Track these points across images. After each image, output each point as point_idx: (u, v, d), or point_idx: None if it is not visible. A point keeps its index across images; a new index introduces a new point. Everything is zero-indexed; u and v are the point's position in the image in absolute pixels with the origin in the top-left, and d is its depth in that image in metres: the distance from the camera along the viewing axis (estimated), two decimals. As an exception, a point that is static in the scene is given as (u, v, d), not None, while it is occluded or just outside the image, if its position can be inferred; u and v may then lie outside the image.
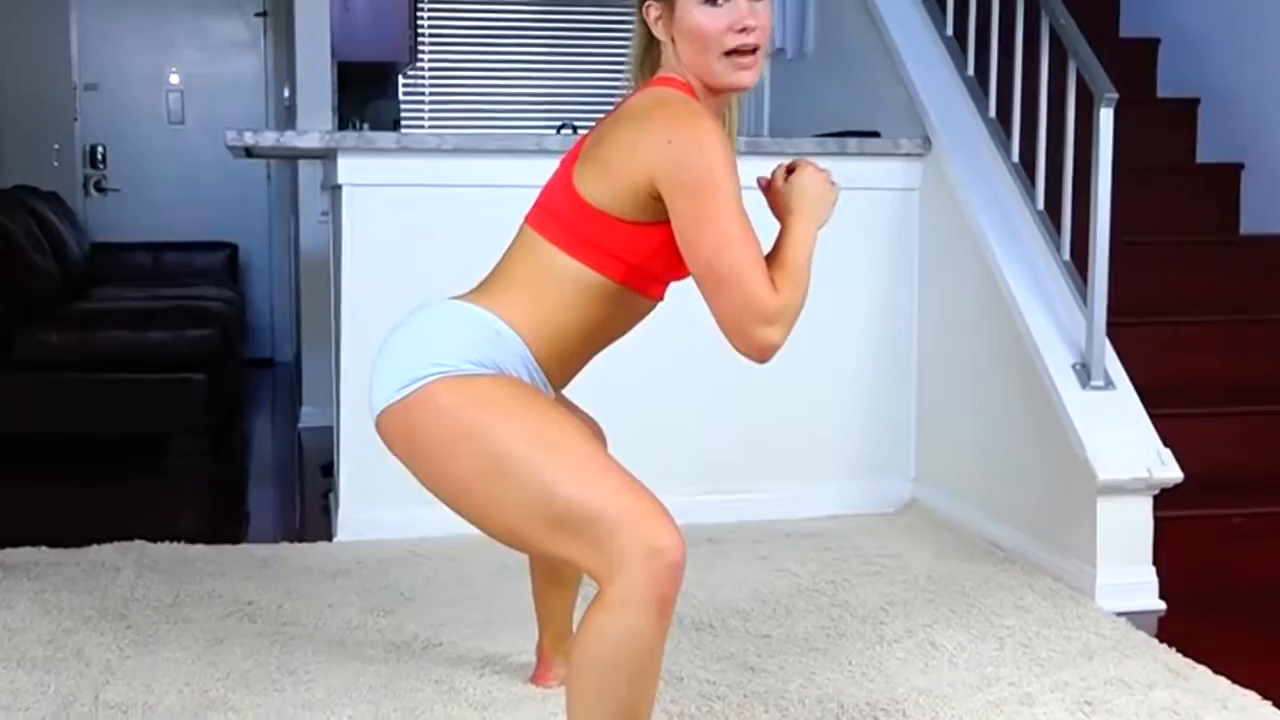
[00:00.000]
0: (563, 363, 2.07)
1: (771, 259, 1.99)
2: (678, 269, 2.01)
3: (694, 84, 2.03)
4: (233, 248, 8.22)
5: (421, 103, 7.75)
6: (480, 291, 2.07)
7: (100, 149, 8.25)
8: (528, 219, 2.07)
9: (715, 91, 2.04)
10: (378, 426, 2.02)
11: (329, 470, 4.65)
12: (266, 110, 8.30)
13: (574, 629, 2.71)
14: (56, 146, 8.03)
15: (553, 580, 2.59)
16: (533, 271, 2.02)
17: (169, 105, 8.33)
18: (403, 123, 7.29)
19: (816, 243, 2.04)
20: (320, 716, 2.52)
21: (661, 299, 2.12)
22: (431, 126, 7.62)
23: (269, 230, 8.49)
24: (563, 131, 6.11)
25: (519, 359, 2.00)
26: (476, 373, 1.94)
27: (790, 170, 2.13)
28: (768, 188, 2.14)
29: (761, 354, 1.91)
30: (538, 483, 1.84)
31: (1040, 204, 3.74)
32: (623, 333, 2.13)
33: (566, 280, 2.00)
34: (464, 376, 1.93)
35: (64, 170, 8.05)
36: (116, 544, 3.70)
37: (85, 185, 8.24)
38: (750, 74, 2.00)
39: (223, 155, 8.27)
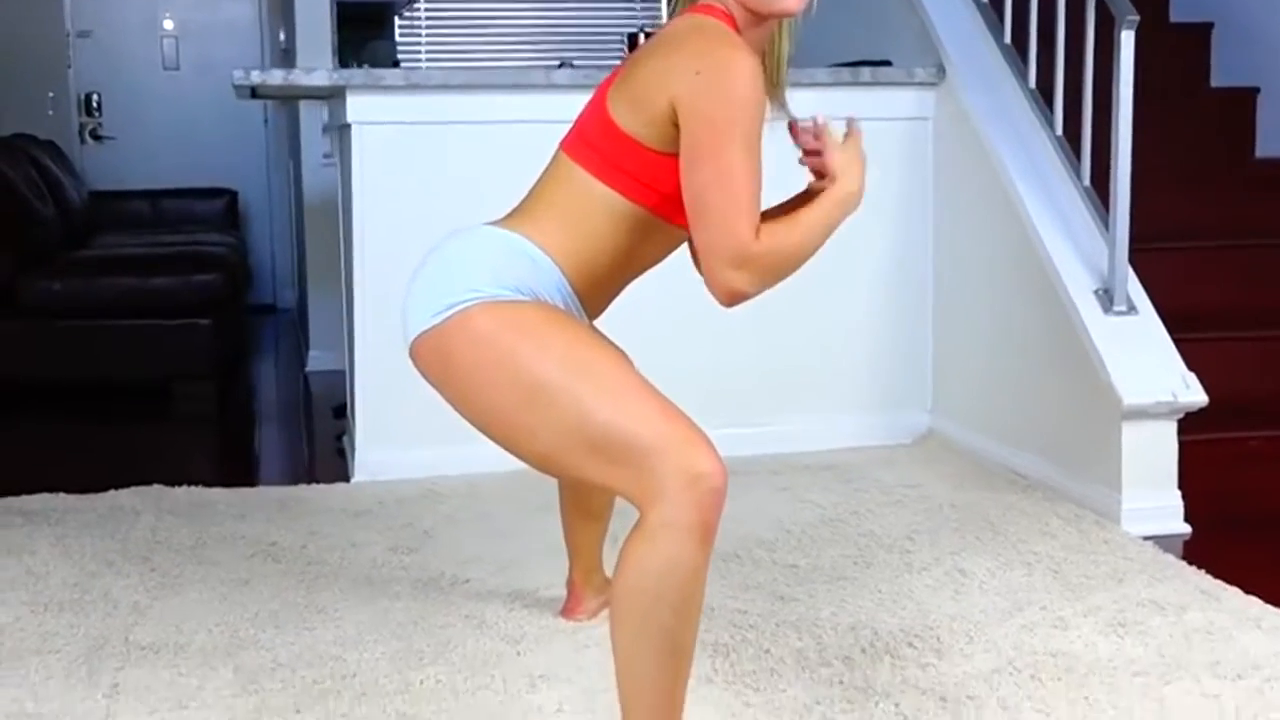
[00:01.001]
0: (597, 290, 2.05)
1: (785, 210, 1.96)
2: None
3: (736, 12, 1.97)
4: (232, 194, 8.16)
5: (418, 43, 7.67)
6: (515, 218, 2.04)
7: (95, 96, 8.17)
8: (563, 145, 2.04)
9: (760, 18, 1.99)
10: (412, 353, 2.00)
11: (341, 412, 4.63)
12: (262, 54, 8.21)
13: (603, 562, 2.72)
14: (51, 95, 7.95)
15: (583, 512, 2.58)
16: (567, 198, 1.99)
17: (163, 51, 8.25)
18: (401, 64, 7.21)
19: (835, 230, 1.96)
20: (353, 653, 2.52)
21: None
22: (429, 67, 7.54)
23: (267, 175, 8.42)
24: (562, 69, 6.04)
25: (554, 285, 1.97)
26: (513, 298, 1.91)
27: (847, 135, 2.03)
28: (807, 137, 2.03)
29: (727, 297, 1.86)
30: (575, 409, 1.81)
31: (1059, 130, 3.70)
32: (656, 261, 2.10)
33: (600, 207, 1.96)
34: (500, 302, 1.90)
35: (59, 119, 7.97)
36: (134, 488, 3.69)
37: (81, 133, 8.17)
38: (796, 0, 1.95)
39: (219, 100, 8.25)
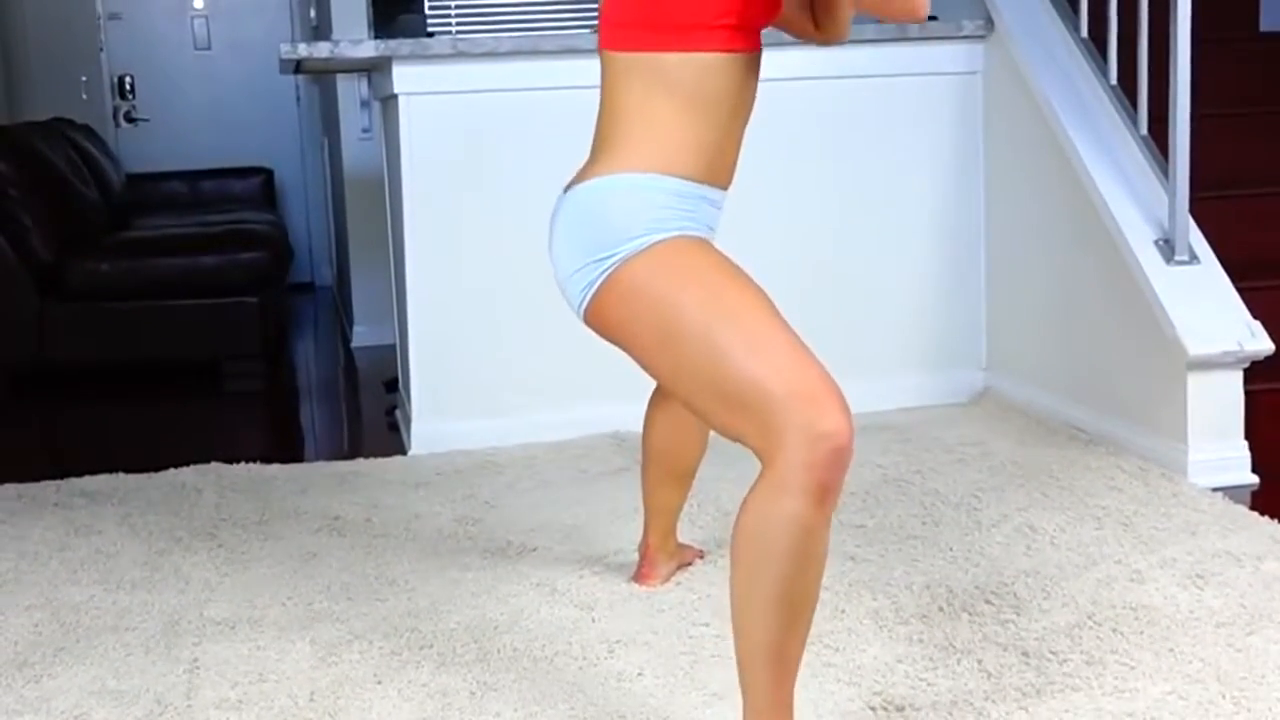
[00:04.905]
0: (709, 155, 1.94)
1: None
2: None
3: None
4: (268, 172, 8.16)
5: (448, 12, 7.63)
6: (601, 155, 1.94)
7: (128, 79, 8.18)
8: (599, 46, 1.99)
9: None
10: (586, 322, 1.98)
11: (392, 386, 4.63)
12: (292, 31, 8.20)
13: (677, 530, 2.71)
14: (84, 78, 7.96)
15: (668, 476, 2.55)
16: (619, 98, 1.91)
17: (194, 31, 8.24)
18: (433, 35, 7.18)
19: None
20: (428, 624, 2.52)
21: (738, 46, 1.91)
22: (459, 35, 7.52)
23: (301, 153, 8.42)
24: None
25: (671, 195, 1.90)
26: (647, 244, 1.87)
27: None
28: None
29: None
30: (709, 355, 1.78)
31: (1113, 79, 3.65)
32: (739, 92, 1.94)
33: (637, 82, 1.89)
34: (641, 252, 1.86)
35: (93, 102, 7.99)
36: (194, 466, 3.70)
37: (115, 116, 8.19)
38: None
39: (251, 79, 8.26)
